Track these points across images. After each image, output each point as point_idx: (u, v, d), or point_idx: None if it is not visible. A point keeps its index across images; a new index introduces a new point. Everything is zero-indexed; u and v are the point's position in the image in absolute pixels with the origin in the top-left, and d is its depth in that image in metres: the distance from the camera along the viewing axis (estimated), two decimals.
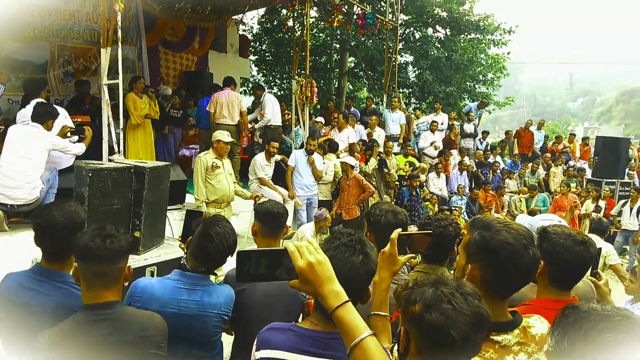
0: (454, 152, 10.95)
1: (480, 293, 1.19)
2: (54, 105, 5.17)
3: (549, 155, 12.32)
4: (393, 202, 8.13)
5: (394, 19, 11.61)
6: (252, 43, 17.43)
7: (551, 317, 1.28)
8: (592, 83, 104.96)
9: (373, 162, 8.52)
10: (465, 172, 10.50)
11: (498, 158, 12.05)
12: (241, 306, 2.25)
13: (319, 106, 12.36)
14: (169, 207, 4.81)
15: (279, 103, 8.73)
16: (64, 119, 5.17)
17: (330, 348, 1.39)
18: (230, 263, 2.07)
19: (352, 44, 16.24)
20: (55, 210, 2.08)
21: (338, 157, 8.24)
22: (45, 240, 2.05)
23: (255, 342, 1.48)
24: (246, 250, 1.29)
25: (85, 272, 1.77)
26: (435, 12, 16.26)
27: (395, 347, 1.41)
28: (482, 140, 12.39)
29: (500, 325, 1.47)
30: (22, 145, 4.48)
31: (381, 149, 9.17)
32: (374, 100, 12.86)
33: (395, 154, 9.59)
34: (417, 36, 16.85)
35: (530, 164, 11.62)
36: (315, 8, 10.91)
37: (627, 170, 11.19)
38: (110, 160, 5.06)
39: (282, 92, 19.10)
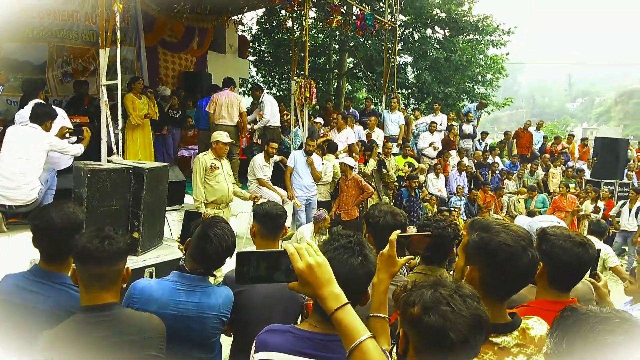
0: (453, 152, 10.96)
1: (479, 295, 1.19)
2: (53, 106, 5.15)
3: (547, 156, 12.33)
4: (392, 203, 8.13)
5: (392, 20, 11.62)
6: (251, 44, 17.44)
7: (550, 319, 1.28)
8: (590, 84, 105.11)
9: (372, 163, 8.53)
10: (464, 173, 10.51)
11: (497, 159, 12.06)
12: (240, 307, 2.24)
13: (318, 107, 12.36)
14: (167, 208, 4.81)
15: (278, 104, 8.73)
16: (62, 119, 5.16)
17: (328, 350, 1.39)
18: (230, 264, 2.07)
19: (351, 44, 16.25)
20: (54, 211, 2.07)
21: (337, 158, 8.24)
22: (43, 242, 2.05)
23: (253, 344, 1.48)
24: (246, 252, 1.29)
25: (84, 273, 1.76)
26: (434, 13, 16.29)
27: (394, 349, 1.41)
28: (481, 141, 12.40)
29: (499, 327, 1.47)
30: (20, 146, 4.47)
31: (380, 150, 9.17)
32: (373, 101, 12.87)
33: (394, 154, 9.60)
34: (416, 37, 16.89)
35: (529, 165, 11.63)
36: (314, 9, 10.90)
37: (625, 171, 11.21)
38: (108, 161, 5.06)
39: (281, 93, 19.11)
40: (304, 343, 1.41)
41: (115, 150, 5.49)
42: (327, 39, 18.34)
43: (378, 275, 1.60)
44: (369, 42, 15.53)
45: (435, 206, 8.92)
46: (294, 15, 9.23)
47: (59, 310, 1.89)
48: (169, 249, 4.20)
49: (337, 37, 16.88)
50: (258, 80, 19.82)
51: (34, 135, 4.54)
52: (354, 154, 8.37)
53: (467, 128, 11.77)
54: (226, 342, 2.39)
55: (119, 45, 5.36)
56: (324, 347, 1.40)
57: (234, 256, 1.37)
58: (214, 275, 2.30)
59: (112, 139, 5.46)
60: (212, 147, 5.77)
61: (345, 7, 10.21)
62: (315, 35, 18.42)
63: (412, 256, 1.80)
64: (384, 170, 8.61)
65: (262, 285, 2.09)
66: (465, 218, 9.09)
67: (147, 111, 7.41)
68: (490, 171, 11.21)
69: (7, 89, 8.04)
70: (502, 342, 1.45)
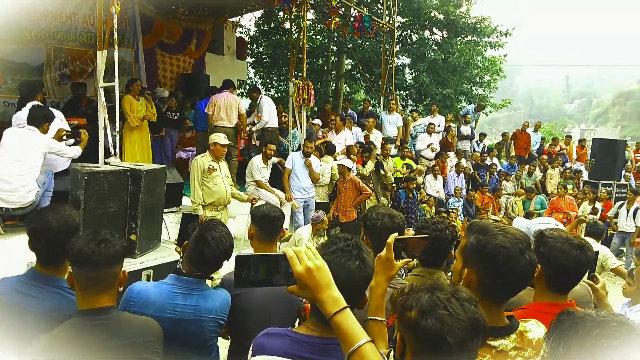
0: (451, 154, 10.97)
1: (477, 297, 1.19)
2: (50, 108, 5.15)
3: (545, 157, 12.36)
4: (390, 205, 8.14)
5: (390, 22, 11.64)
6: (249, 45, 17.43)
7: (548, 321, 1.28)
8: (588, 85, 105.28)
9: (370, 165, 8.53)
10: (462, 174, 10.53)
11: (495, 160, 12.08)
12: (238, 310, 2.24)
13: (316, 108, 12.37)
14: (165, 210, 4.80)
15: (276, 105, 8.72)
16: (59, 121, 5.15)
17: (326, 354, 1.39)
18: (227, 267, 2.06)
19: (349, 46, 16.26)
20: (50, 214, 2.07)
21: (335, 160, 8.24)
22: (39, 245, 2.04)
23: (251, 348, 1.47)
24: (245, 256, 1.28)
25: (80, 277, 1.76)
26: (432, 14, 16.31)
27: (392, 353, 1.40)
28: (479, 142, 12.43)
29: (497, 330, 1.46)
30: (17, 148, 4.46)
31: (378, 151, 9.17)
32: (371, 102, 12.89)
33: (393, 156, 9.60)
34: (414, 38, 16.89)
35: (527, 166, 11.65)
36: (312, 10, 10.93)
37: (623, 172, 11.23)
38: (106, 163, 5.05)
39: (279, 95, 19.11)
40: (301, 347, 1.41)
41: (112, 152, 5.48)
42: (325, 40, 18.35)
43: (376, 279, 1.59)
44: (367, 43, 15.54)
45: (433, 207, 8.93)
46: (292, 17, 9.23)
47: (55, 314, 1.88)
48: (167, 251, 4.19)
49: (335, 39, 16.90)
50: (256, 82, 19.82)
51: (31, 138, 4.53)
52: (352, 156, 8.37)
53: (465, 129, 11.79)
54: (224, 344, 2.38)
55: (116, 47, 5.36)
56: (322, 350, 1.39)
57: (232, 259, 1.37)
58: (212, 278, 2.30)
59: (110, 141, 5.46)
60: (210, 149, 5.77)
61: (343, 9, 10.24)
62: (314, 37, 18.43)
63: (410, 259, 1.79)
64: (382, 172, 8.62)
65: (260, 288, 2.08)
66: (463, 219, 9.11)
67: (144, 113, 7.41)
68: (488, 172, 11.23)
69: (4, 90, 8.03)
70: (499, 346, 1.45)
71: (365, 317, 1.63)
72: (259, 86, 17.58)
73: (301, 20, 8.52)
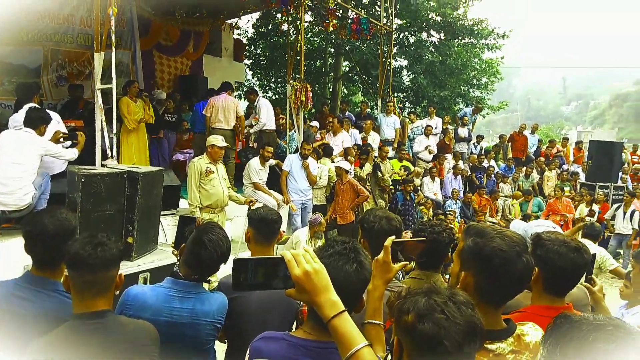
0: (449, 156, 10.99)
1: (474, 301, 1.19)
2: (47, 110, 5.13)
3: (542, 159, 12.39)
4: (387, 207, 8.15)
5: (388, 24, 11.66)
6: (246, 47, 17.44)
7: (545, 324, 1.28)
8: (585, 87, 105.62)
9: (368, 167, 8.53)
10: (459, 176, 10.54)
11: (492, 162, 12.10)
12: (235, 314, 2.23)
13: (313, 110, 12.38)
14: (162, 213, 4.79)
15: (274, 107, 8.72)
16: (56, 124, 5.13)
17: (323, 357, 1.38)
18: (224, 270, 2.06)
19: (347, 48, 16.28)
20: (46, 217, 2.06)
21: (333, 162, 8.24)
22: (35, 248, 2.03)
23: (247, 351, 1.47)
24: (243, 259, 1.28)
25: (76, 280, 1.75)
26: (430, 16, 16.34)
27: (389, 356, 1.40)
28: (476, 144, 12.45)
29: (494, 334, 1.46)
30: (14, 151, 4.44)
31: (376, 154, 9.18)
32: (369, 104, 12.90)
33: (390, 158, 9.61)
34: (412, 40, 16.93)
35: (524, 168, 11.67)
36: (309, 12, 10.94)
37: (620, 174, 11.26)
38: (103, 165, 5.03)
39: (276, 96, 19.10)
40: (298, 350, 1.40)
41: (110, 155, 5.47)
42: (323, 42, 18.37)
43: (373, 282, 1.59)
44: (365, 45, 15.57)
45: (431, 210, 8.94)
46: (290, 18, 9.23)
47: (51, 317, 1.87)
48: (164, 254, 4.19)
49: (333, 41, 16.92)
50: (254, 84, 19.83)
51: (28, 140, 4.51)
52: (349, 158, 8.37)
53: (463, 131, 11.81)
54: (221, 348, 2.37)
55: (114, 48, 5.35)
56: (319, 354, 1.39)
57: (229, 262, 1.36)
58: (209, 281, 2.29)
59: (107, 143, 5.44)
60: (207, 151, 5.76)
61: (341, 11, 10.25)
62: (311, 38, 18.44)
63: (407, 262, 1.79)
64: (379, 174, 8.62)
65: (257, 292, 2.08)
66: (460, 221, 9.12)
67: (142, 115, 7.40)
68: (485, 175, 11.24)
69: (1, 92, 8.01)
70: (497, 349, 1.45)
71: (363, 321, 1.62)
72: (257, 88, 17.59)
73: (299, 22, 8.52)
